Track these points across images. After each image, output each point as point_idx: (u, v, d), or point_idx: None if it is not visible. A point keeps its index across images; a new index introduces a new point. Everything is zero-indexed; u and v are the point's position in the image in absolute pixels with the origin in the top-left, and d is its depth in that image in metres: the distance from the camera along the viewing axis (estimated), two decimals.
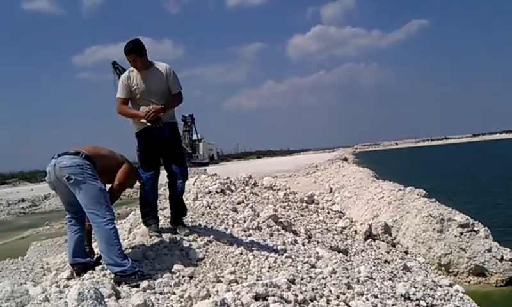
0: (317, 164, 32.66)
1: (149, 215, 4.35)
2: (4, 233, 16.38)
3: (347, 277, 4.08)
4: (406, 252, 7.29)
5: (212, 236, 4.35)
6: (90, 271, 3.50)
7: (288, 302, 3.23)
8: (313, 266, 4.38)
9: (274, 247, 4.64)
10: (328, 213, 8.07)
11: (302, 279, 3.77)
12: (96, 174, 3.50)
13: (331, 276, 4.01)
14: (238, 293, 3.15)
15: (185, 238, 4.22)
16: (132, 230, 4.81)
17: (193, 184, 7.79)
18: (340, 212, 8.65)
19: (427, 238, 7.32)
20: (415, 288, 4.77)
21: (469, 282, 6.78)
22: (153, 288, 3.22)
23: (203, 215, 5.32)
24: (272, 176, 13.20)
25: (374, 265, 5.50)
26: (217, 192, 6.74)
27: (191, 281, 3.50)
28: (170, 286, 3.28)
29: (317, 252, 5.03)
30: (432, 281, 5.37)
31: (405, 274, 5.60)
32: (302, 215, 7.27)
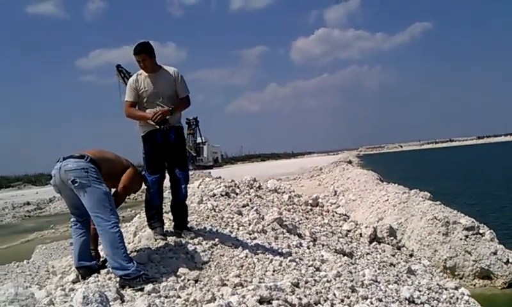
0: (322, 166, 32.56)
1: (154, 218, 4.36)
2: (9, 236, 16.47)
3: (352, 281, 4.08)
4: (411, 255, 7.28)
5: (217, 240, 4.35)
6: (95, 274, 3.52)
7: (292, 305, 3.23)
8: (317, 269, 4.38)
9: (279, 250, 4.64)
10: (333, 216, 8.07)
11: (306, 282, 3.77)
12: (101, 177, 3.51)
13: (335, 279, 4.00)
14: (243, 296, 3.16)
15: (190, 241, 4.23)
16: (138, 233, 4.83)
17: (198, 187, 7.80)
18: (345, 214, 8.63)
19: (432, 241, 7.29)
20: (420, 291, 4.76)
21: (474, 285, 6.75)
22: (159, 292, 3.23)
23: (208, 218, 5.32)
24: (277, 179, 13.21)
25: (379, 268, 5.48)
26: (222, 195, 6.75)
27: (196, 284, 3.50)
28: (175, 289, 3.29)
29: (322, 256, 5.02)
30: (438, 284, 5.35)
31: (409, 277, 5.58)
32: (307, 218, 7.27)
